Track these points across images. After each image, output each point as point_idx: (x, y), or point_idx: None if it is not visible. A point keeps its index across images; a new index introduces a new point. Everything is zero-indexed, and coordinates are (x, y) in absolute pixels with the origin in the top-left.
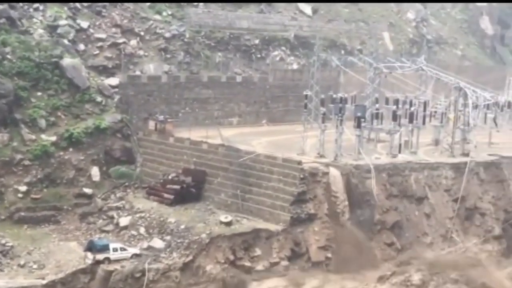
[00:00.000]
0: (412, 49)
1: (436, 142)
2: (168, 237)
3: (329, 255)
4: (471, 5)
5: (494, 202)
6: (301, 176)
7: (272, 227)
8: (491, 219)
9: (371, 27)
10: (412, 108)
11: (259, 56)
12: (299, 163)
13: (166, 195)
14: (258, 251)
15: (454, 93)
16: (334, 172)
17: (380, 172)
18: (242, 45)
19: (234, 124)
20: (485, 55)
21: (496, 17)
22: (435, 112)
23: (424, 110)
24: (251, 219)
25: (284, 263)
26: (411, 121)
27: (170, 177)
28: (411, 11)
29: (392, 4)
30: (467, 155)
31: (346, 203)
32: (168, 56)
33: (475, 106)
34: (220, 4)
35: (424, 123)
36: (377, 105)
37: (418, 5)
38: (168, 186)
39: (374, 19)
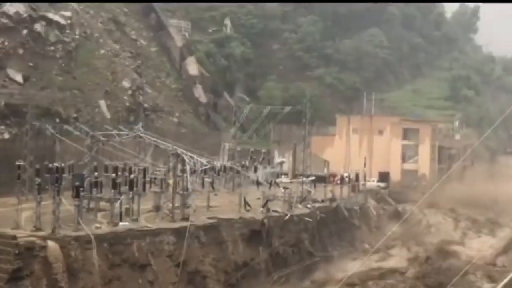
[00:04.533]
0: (130, 117)
1: (157, 208)
2: None
3: None
4: (184, 75)
5: (215, 264)
6: (16, 251)
7: None
8: (212, 281)
9: (86, 95)
10: (132, 176)
11: None
12: (13, 238)
13: None
14: None
15: (173, 159)
16: (52, 245)
17: (101, 242)
18: None
19: None
20: (200, 122)
21: (209, 87)
22: (155, 178)
23: (144, 177)
24: None
25: None
26: (131, 188)
27: None
28: (126, 80)
29: (108, 73)
30: (187, 219)
31: (66, 277)
32: None
33: (193, 171)
34: None
35: (144, 189)
36: (96, 174)
37: (133, 74)
38: None
39: (89, 87)
